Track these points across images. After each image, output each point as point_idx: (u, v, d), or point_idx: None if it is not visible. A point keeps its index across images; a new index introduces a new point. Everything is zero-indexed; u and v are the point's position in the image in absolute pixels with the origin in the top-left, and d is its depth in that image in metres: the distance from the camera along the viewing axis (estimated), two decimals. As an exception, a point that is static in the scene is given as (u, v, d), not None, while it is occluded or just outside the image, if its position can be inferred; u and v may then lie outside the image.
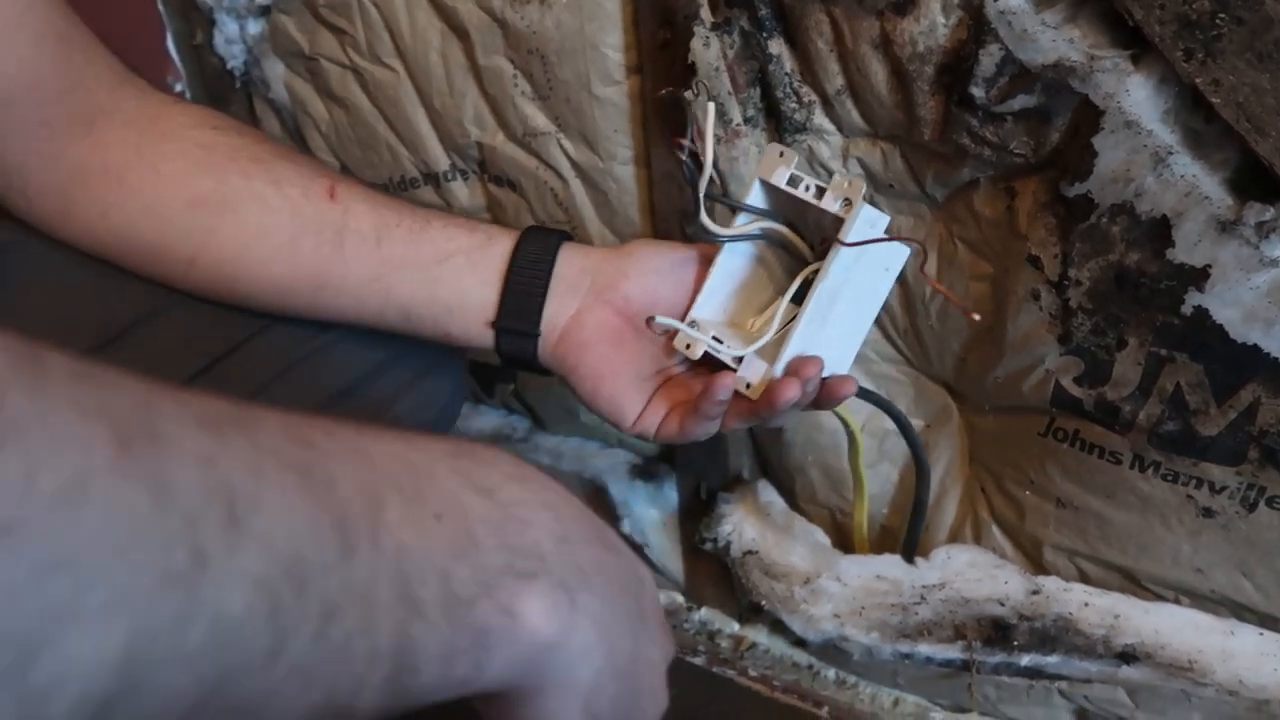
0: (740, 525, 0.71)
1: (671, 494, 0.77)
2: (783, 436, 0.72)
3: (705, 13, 0.58)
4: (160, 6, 0.85)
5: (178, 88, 0.88)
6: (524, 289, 0.53)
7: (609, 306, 0.53)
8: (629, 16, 0.63)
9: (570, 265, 0.54)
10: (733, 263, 0.53)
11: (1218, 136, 0.47)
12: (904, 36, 0.52)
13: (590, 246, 0.56)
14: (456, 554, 0.31)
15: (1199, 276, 0.49)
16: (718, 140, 0.61)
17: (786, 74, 0.58)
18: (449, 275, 0.53)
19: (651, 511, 0.78)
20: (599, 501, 0.79)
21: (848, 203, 0.48)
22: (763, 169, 0.51)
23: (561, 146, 0.70)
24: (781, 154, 0.51)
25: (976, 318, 0.52)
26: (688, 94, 0.60)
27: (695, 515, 0.75)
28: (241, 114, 0.88)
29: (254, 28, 0.82)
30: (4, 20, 0.51)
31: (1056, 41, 0.48)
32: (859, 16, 0.53)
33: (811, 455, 0.72)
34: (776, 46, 0.57)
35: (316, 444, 0.29)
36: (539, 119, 0.70)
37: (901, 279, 0.62)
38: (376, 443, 0.32)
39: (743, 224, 0.53)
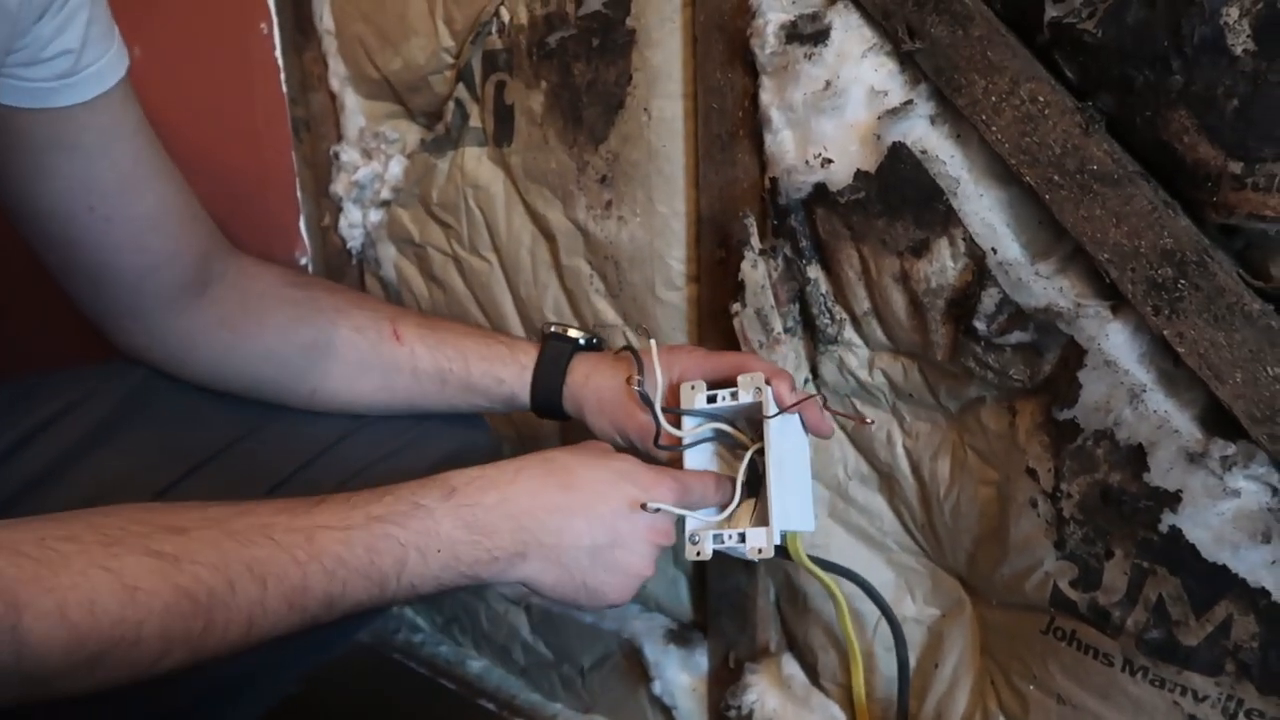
0: (763, 695, 0.76)
1: (702, 660, 0.83)
2: (809, 615, 0.78)
3: (755, 240, 0.68)
4: (298, 193, 0.99)
5: (303, 260, 1.01)
6: (551, 369, 0.68)
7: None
8: (692, 236, 0.74)
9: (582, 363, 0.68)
10: (697, 460, 0.65)
11: (1186, 379, 0.55)
12: (920, 274, 0.62)
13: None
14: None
15: (1172, 500, 0.56)
16: (762, 345, 0.70)
17: (822, 294, 0.68)
18: (495, 378, 0.69)
19: (682, 676, 0.83)
20: (634, 661, 0.85)
21: (759, 390, 0.61)
22: (684, 402, 0.63)
23: (626, 338, 0.80)
24: (693, 387, 0.64)
25: (869, 421, 0.67)
26: (735, 306, 0.70)
27: (723, 682, 0.80)
28: (352, 285, 1.01)
29: (374, 216, 0.96)
30: (160, 211, 0.64)
31: (1048, 289, 0.57)
32: (883, 254, 0.63)
33: (832, 636, 0.77)
34: (814, 271, 0.67)
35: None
36: (609, 313, 0.80)
37: (918, 478, 0.69)
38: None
39: (696, 425, 0.64)
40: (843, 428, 0.72)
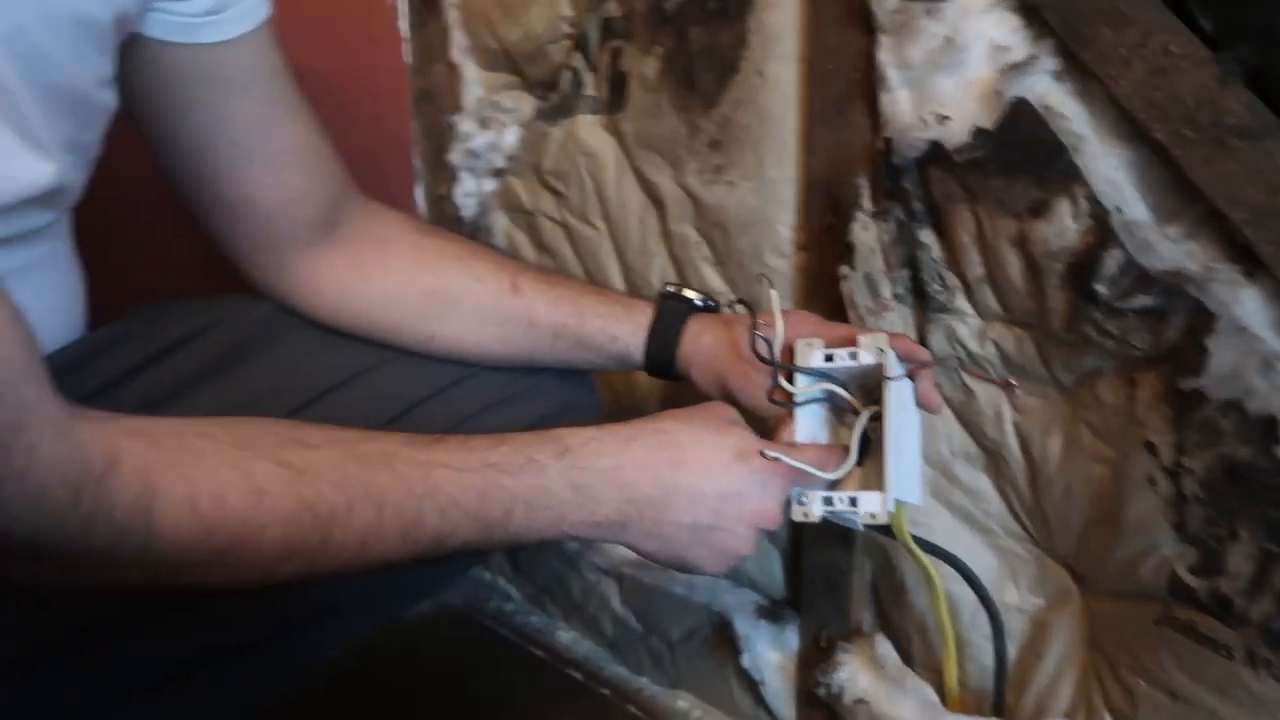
0: (855, 675, 0.75)
1: (793, 638, 0.81)
2: (904, 597, 0.76)
3: (867, 202, 0.67)
4: (416, 162, 1.02)
5: (418, 228, 1.04)
6: (667, 327, 0.67)
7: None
8: (802, 202, 0.73)
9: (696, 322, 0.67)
10: (806, 421, 0.62)
11: (1326, 349, 0.51)
12: (1038, 236, 0.59)
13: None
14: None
15: (1307, 477, 0.52)
16: (870, 311, 0.69)
17: (934, 260, 0.66)
18: (610, 335, 0.69)
19: (771, 653, 0.82)
20: (724, 636, 0.84)
21: (881, 350, 0.58)
22: (799, 359, 0.61)
23: (732, 308, 0.80)
24: (809, 344, 0.61)
25: (1015, 384, 0.63)
26: (844, 269, 0.68)
27: (813, 662, 0.79)
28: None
29: (488, 185, 0.98)
30: (296, 149, 0.66)
31: (1176, 252, 0.54)
32: (999, 216, 0.61)
33: (927, 620, 0.75)
34: (926, 236, 0.66)
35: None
36: (716, 281, 0.80)
37: (1028, 457, 0.67)
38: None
39: (808, 384, 0.61)
40: (949, 402, 0.70)
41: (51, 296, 0.58)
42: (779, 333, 0.60)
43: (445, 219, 1.02)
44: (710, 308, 0.69)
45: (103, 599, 0.48)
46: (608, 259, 0.88)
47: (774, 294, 0.62)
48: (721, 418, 0.58)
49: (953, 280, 0.66)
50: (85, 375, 0.58)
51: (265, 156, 0.64)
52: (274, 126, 0.65)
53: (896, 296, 0.68)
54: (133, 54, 0.58)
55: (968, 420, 0.70)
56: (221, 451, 0.45)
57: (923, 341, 0.69)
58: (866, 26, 0.65)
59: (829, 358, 0.60)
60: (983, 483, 0.71)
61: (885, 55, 0.63)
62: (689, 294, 0.69)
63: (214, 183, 0.65)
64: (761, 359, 0.61)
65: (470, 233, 1.01)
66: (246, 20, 0.61)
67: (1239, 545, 0.56)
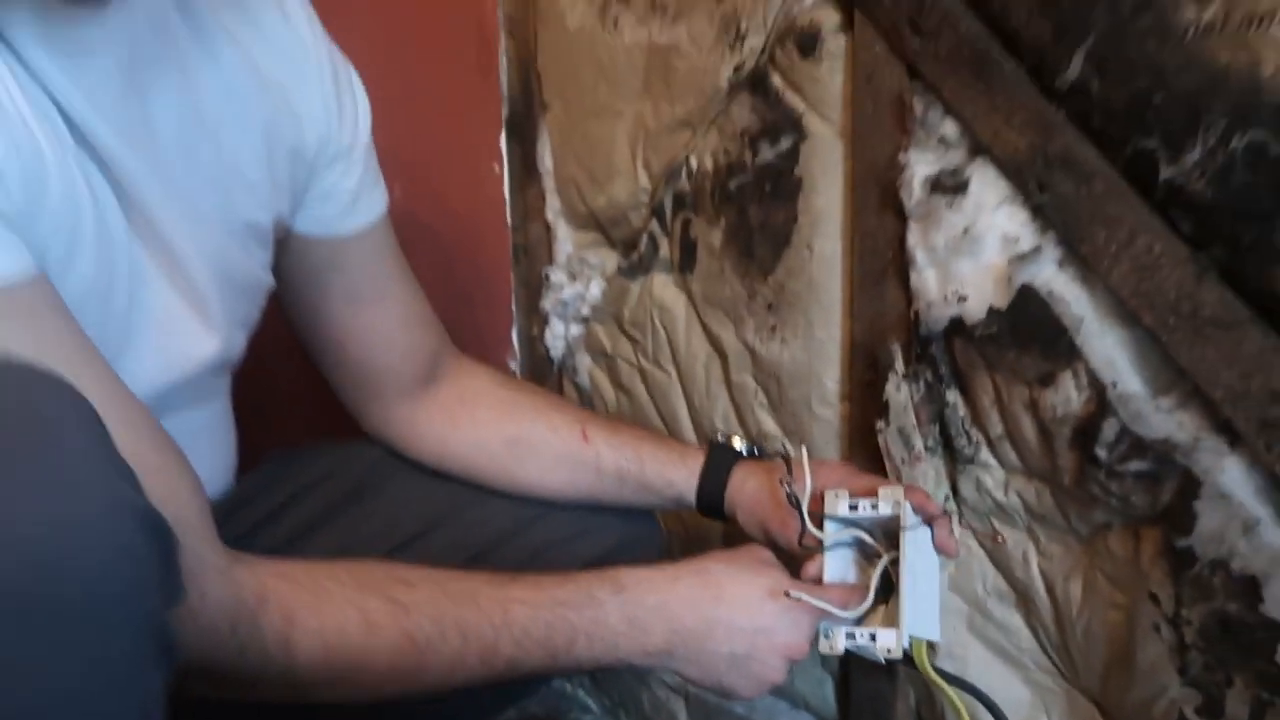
0: (897, 798, 0.80)
1: (843, 760, 0.87)
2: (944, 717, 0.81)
3: (899, 365, 0.76)
4: (513, 308, 1.15)
5: (512, 365, 1.16)
6: (715, 474, 0.76)
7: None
8: (845, 359, 0.82)
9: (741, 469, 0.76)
10: (835, 562, 0.70)
11: (1302, 516, 0.57)
12: (1047, 403, 0.67)
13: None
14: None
15: (1290, 632, 0.57)
16: (904, 461, 0.77)
17: (959, 417, 0.74)
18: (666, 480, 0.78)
19: (824, 773, 0.87)
20: (779, 754, 0.90)
21: (898, 502, 0.66)
22: (827, 509, 0.68)
23: (784, 447, 0.88)
24: (837, 494, 0.69)
25: (1002, 539, 0.71)
26: (880, 424, 0.77)
27: (861, 784, 0.84)
28: (551, 389, 1.14)
29: (575, 330, 1.09)
30: (404, 318, 0.78)
31: (1166, 423, 0.61)
32: (1013, 383, 0.69)
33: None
34: (952, 396, 0.74)
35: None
36: (770, 425, 0.89)
37: (1053, 599, 0.73)
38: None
39: (837, 530, 0.69)
40: (981, 545, 0.77)
41: (216, 449, 0.70)
42: (807, 485, 0.69)
43: (536, 358, 1.14)
44: (753, 455, 0.78)
45: (243, 709, 0.58)
46: (677, 401, 0.98)
47: (804, 450, 0.71)
48: (758, 559, 0.67)
49: (977, 436, 0.74)
50: (236, 520, 0.70)
51: (378, 325, 0.77)
52: (387, 299, 0.78)
53: (928, 448, 0.76)
54: (281, 244, 0.71)
55: (1000, 562, 0.77)
56: (344, 591, 0.55)
57: (954, 489, 0.77)
58: (899, 213, 0.74)
59: (854, 506, 0.68)
60: (1015, 620, 0.77)
61: (914, 239, 0.73)
62: (736, 443, 0.78)
63: (336, 346, 0.77)
64: (792, 506, 0.69)
65: (558, 371, 1.13)
66: (371, 215, 0.74)
67: (1235, 691, 0.61)
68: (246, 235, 0.65)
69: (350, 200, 0.72)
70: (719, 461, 0.76)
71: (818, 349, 0.83)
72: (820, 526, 0.70)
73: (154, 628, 0.39)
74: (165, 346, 0.59)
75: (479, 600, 0.58)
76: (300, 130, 0.67)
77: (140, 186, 0.55)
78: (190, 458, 0.58)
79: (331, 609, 0.54)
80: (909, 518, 0.66)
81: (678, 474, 0.77)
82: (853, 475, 0.72)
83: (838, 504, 0.68)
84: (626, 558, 0.79)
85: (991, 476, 0.74)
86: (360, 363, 0.79)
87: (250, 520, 0.73)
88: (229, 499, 0.73)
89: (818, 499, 0.69)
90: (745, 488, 0.74)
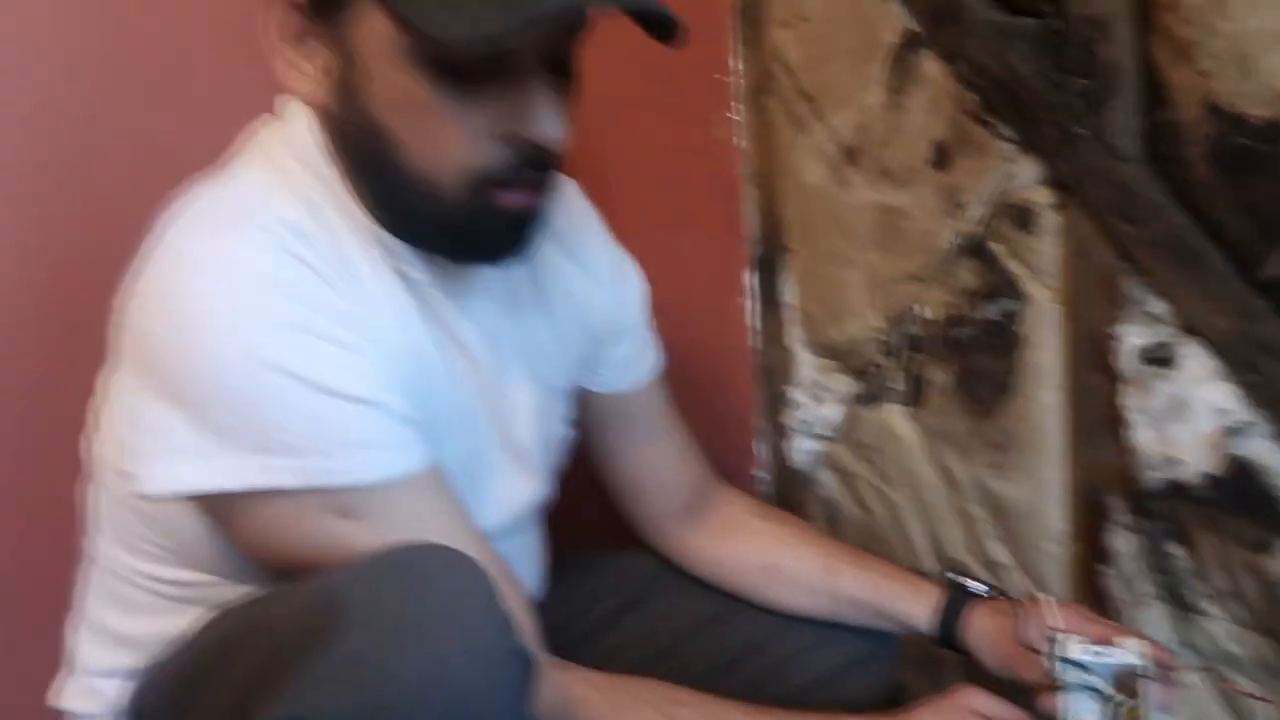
0: None
1: None
2: None
3: (1122, 515, 0.81)
4: (760, 422, 1.27)
5: (760, 474, 1.29)
6: (952, 612, 0.83)
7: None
8: (1070, 502, 0.88)
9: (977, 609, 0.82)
10: (1072, 704, 0.73)
11: None
12: (1265, 568, 0.71)
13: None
14: None
15: None
16: (1127, 605, 0.82)
17: (1183, 569, 0.78)
18: (904, 613, 0.86)
19: None
20: None
21: (1138, 653, 0.69)
22: (1064, 652, 0.73)
23: (1015, 579, 0.95)
24: (1075, 638, 0.73)
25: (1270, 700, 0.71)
26: (1105, 569, 0.83)
27: None
28: (796, 499, 1.26)
29: (816, 447, 1.20)
30: (672, 454, 0.93)
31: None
32: (1232, 545, 0.73)
33: None
34: (1175, 549, 0.79)
35: None
36: (1001, 555, 0.96)
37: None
38: None
39: (1068, 673, 0.74)
40: (1223, 695, 0.80)
41: (531, 563, 0.88)
42: (1048, 629, 0.75)
43: (783, 471, 1.26)
44: (989, 595, 0.86)
45: None
46: (913, 523, 1.06)
47: (1050, 600, 0.77)
48: (966, 708, 0.75)
49: (1202, 588, 0.78)
50: (546, 623, 0.88)
51: (652, 462, 0.93)
52: (659, 441, 0.93)
53: (1153, 595, 0.81)
54: (576, 399, 0.89)
55: (1242, 715, 0.80)
56: (635, 705, 0.70)
57: (1181, 637, 0.81)
58: (1113, 374, 0.80)
59: (1093, 653, 0.73)
60: (1250, 763, 0.80)
61: (1127, 401, 0.79)
62: (972, 586, 0.85)
63: (619, 477, 0.94)
64: (1031, 649, 0.76)
65: (802, 483, 1.24)
66: (645, 374, 0.90)
67: None
68: (554, 399, 0.83)
69: (629, 365, 0.88)
70: (955, 600, 0.84)
71: (1043, 490, 0.90)
72: (1056, 669, 0.77)
73: None
74: (499, 496, 0.77)
75: None
76: (593, 318, 0.84)
77: (493, 377, 0.74)
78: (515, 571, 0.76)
79: (627, 717, 0.69)
80: (1147, 668, 0.70)
81: (914, 609, 0.86)
82: (1089, 621, 0.77)
83: (1075, 648, 0.74)
84: (861, 672, 0.90)
85: (1220, 628, 0.78)
86: (638, 492, 0.95)
87: (557, 620, 0.90)
88: (541, 602, 0.90)
89: (1054, 641, 0.76)
90: (983, 627, 0.82)
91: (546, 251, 0.80)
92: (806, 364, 1.20)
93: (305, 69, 0.65)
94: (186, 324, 0.60)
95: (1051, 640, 0.75)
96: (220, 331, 0.59)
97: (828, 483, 1.19)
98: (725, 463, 1.27)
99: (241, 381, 0.59)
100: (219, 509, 0.63)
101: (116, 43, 0.93)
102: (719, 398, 1.29)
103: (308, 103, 0.67)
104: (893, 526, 1.09)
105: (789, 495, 1.27)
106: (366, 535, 0.61)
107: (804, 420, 1.20)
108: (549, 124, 0.63)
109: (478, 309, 0.73)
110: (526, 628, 0.68)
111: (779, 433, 1.26)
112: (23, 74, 0.91)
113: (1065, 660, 0.74)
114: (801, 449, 1.22)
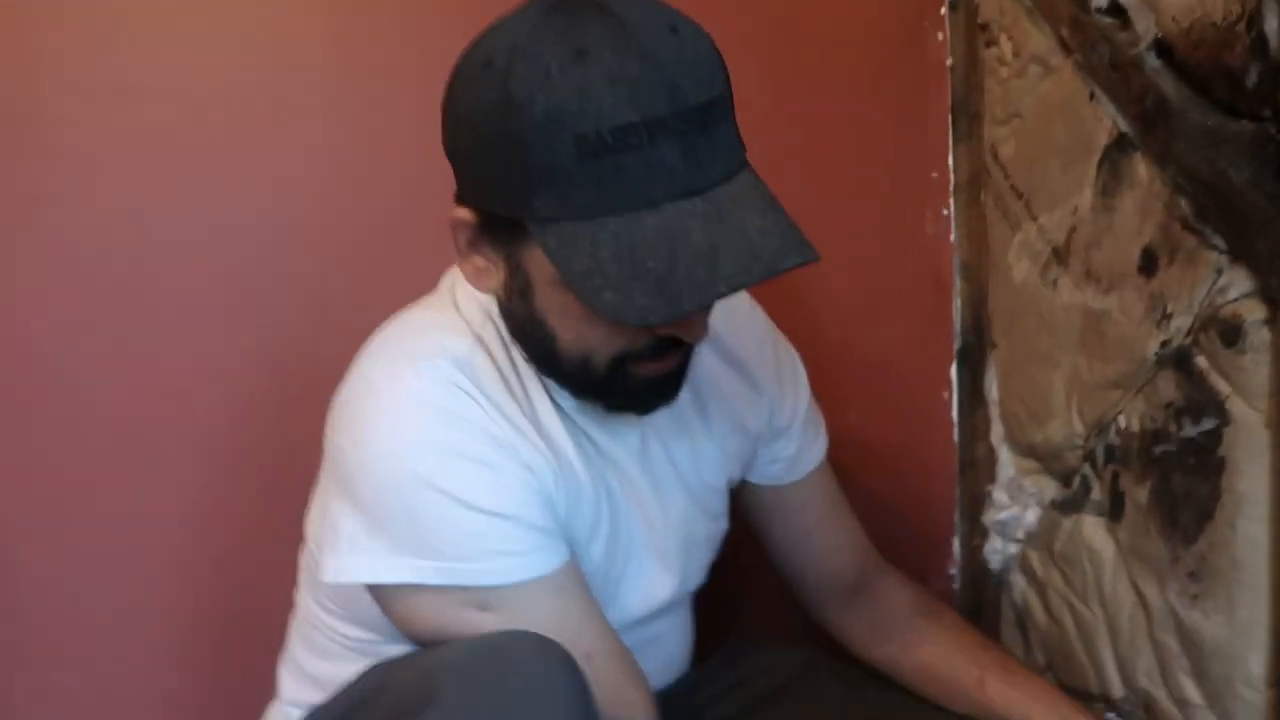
0: None
1: None
2: None
3: (1321, 670, 0.73)
4: (956, 518, 1.24)
5: (952, 571, 1.25)
6: None
7: None
8: (1273, 644, 0.80)
9: None
10: None
11: None
12: None
13: None
14: None
15: None
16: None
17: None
18: None
19: None
20: None
21: None
22: None
23: (1206, 721, 0.87)
24: None
25: None
26: (1298, 725, 0.75)
27: None
28: (988, 599, 1.21)
29: (1012, 549, 1.16)
30: (834, 543, 0.94)
31: None
32: None
33: None
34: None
35: None
36: (1193, 693, 0.88)
37: None
38: None
39: None
40: None
41: (676, 644, 0.91)
42: None
43: (976, 568, 1.22)
44: None
45: None
46: (1103, 644, 1.00)
47: None
48: None
49: None
50: (685, 704, 0.91)
51: (813, 548, 0.95)
52: (824, 529, 0.95)
53: (1357, 763, 0.72)
54: (739, 488, 0.92)
55: None
56: None
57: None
58: (1324, 513, 0.73)
59: None
60: None
61: (1337, 545, 0.72)
62: None
63: (786, 561, 0.96)
64: None
65: (995, 585, 1.19)
66: (811, 464, 0.92)
67: None
68: (708, 495, 0.86)
69: (790, 462, 0.91)
70: None
71: (1242, 629, 0.82)
72: None
73: None
74: (642, 590, 0.82)
75: None
76: (750, 423, 0.87)
77: (640, 487, 0.80)
78: (655, 653, 0.82)
79: None
80: None
81: None
82: None
83: None
84: None
85: None
86: (798, 576, 0.97)
87: (699, 702, 0.93)
88: (687, 682, 0.93)
89: None
90: None
91: (705, 358, 0.85)
92: (1007, 463, 1.17)
93: (482, 268, 0.72)
94: (364, 442, 0.71)
95: None
96: (388, 451, 0.69)
97: (1019, 588, 1.14)
98: (920, 558, 1.26)
99: (405, 495, 0.69)
100: (379, 594, 0.73)
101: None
102: (919, 492, 1.27)
103: (485, 293, 0.74)
104: (1082, 643, 1.03)
105: (980, 597, 1.23)
106: (498, 625, 0.69)
107: (1000, 521, 1.16)
108: (699, 329, 0.69)
109: (624, 425, 0.79)
110: (640, 718, 0.72)
111: (975, 531, 1.22)
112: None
113: None
114: (995, 550, 1.18)
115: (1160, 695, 0.93)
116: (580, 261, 0.61)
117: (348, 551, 0.70)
